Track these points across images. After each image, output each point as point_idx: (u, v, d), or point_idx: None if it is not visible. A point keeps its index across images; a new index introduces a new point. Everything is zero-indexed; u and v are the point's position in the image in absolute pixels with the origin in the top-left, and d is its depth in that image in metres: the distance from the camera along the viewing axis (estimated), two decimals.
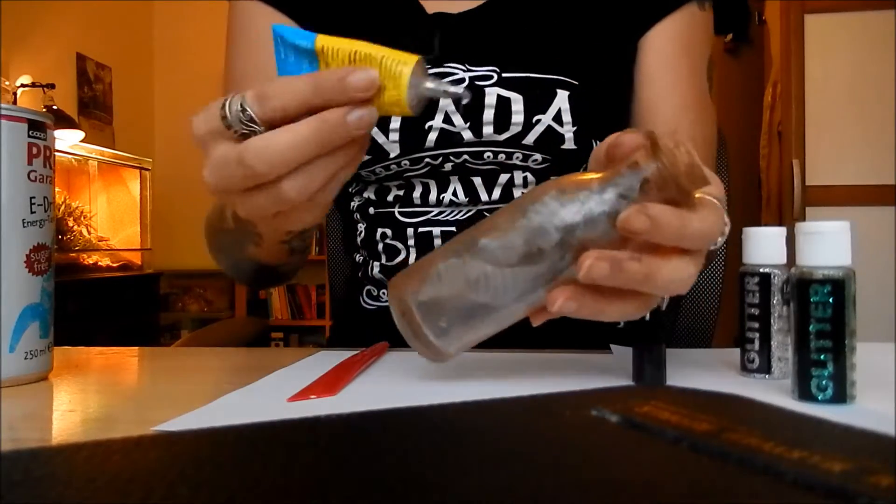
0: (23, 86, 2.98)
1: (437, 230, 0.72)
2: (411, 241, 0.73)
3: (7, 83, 2.93)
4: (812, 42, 2.35)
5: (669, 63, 0.72)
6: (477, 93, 0.69)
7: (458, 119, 0.69)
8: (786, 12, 2.40)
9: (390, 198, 0.73)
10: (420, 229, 0.72)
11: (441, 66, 0.70)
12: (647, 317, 0.82)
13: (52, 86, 3.01)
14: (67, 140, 3.03)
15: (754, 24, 3.14)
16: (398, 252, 0.74)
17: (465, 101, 0.42)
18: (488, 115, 0.68)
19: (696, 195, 0.39)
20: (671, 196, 0.37)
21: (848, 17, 2.34)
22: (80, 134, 3.09)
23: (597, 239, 0.38)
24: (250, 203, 0.43)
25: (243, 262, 0.69)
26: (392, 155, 0.70)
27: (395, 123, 0.70)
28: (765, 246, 0.48)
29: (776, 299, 0.47)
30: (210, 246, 0.75)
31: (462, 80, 0.69)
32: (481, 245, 0.39)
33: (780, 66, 2.51)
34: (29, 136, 0.49)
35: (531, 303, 0.40)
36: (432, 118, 0.69)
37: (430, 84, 0.41)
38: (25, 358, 0.48)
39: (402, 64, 0.40)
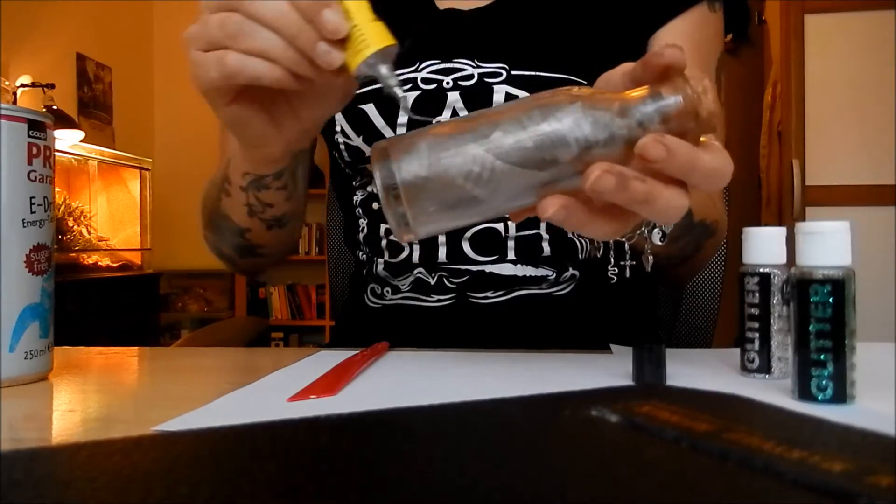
0: (23, 86, 2.98)
1: None
2: None
3: (7, 83, 2.92)
4: (812, 42, 2.35)
5: None
6: (485, 90, 0.69)
7: None
8: (786, 12, 2.40)
9: None
10: None
11: (449, 61, 0.70)
12: (647, 317, 0.82)
13: (51, 86, 3.00)
14: (67, 140, 3.03)
15: (754, 24, 3.14)
16: (401, 249, 0.73)
17: (402, 104, 0.45)
18: None
19: (702, 139, 0.39)
20: (684, 131, 0.38)
21: (848, 17, 2.33)
22: (80, 134, 3.09)
23: (607, 158, 0.38)
24: (203, 62, 0.45)
25: (224, 225, 0.68)
26: None
27: (403, 118, 0.70)
28: (765, 246, 0.48)
29: (776, 299, 0.47)
30: (204, 224, 0.74)
31: (406, 83, 0.70)
32: (493, 138, 0.38)
33: (780, 66, 2.51)
34: (29, 136, 0.48)
35: (520, 205, 0.40)
36: (440, 114, 0.69)
37: (383, 71, 0.44)
38: (25, 358, 0.48)
39: (366, 44, 0.43)
